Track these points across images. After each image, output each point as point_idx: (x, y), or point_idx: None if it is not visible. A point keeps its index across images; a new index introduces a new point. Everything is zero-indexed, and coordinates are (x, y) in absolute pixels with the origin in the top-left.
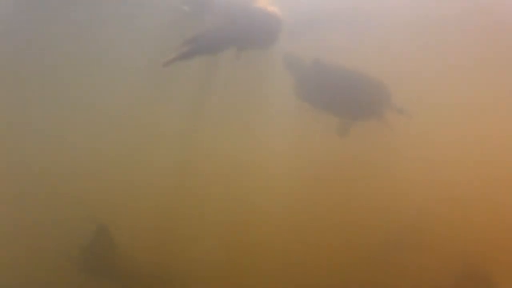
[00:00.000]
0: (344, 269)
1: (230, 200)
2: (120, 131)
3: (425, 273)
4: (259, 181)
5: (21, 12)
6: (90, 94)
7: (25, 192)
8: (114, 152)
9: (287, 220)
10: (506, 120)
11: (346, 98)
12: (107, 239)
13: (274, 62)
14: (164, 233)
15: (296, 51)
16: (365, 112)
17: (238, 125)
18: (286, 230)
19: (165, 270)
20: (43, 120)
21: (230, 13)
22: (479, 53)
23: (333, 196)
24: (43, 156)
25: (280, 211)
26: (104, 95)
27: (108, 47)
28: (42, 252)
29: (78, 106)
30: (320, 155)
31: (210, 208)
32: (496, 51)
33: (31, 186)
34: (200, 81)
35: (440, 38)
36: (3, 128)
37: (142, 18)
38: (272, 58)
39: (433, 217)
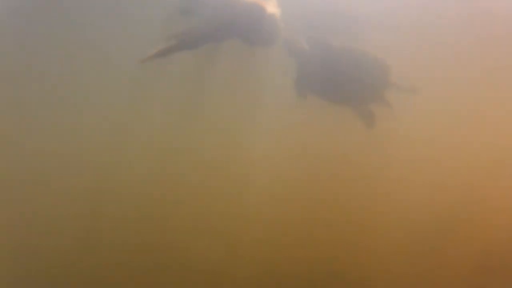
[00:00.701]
0: (350, 269)
1: (229, 197)
2: (117, 128)
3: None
4: (260, 178)
5: (18, 10)
6: (84, 91)
7: (22, 190)
8: (110, 149)
9: (289, 219)
10: None
11: (346, 80)
12: None
13: (272, 62)
14: (160, 230)
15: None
16: (366, 94)
17: (235, 123)
18: (288, 229)
19: (161, 267)
20: (37, 119)
21: (228, 12)
22: (484, 53)
23: (338, 195)
24: (39, 153)
25: (281, 210)
26: (99, 93)
27: (103, 44)
28: (41, 251)
29: (72, 104)
30: (318, 154)
31: (208, 204)
32: (501, 51)
33: (29, 184)
34: (197, 79)
35: (442, 40)
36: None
37: (138, 15)
38: (271, 58)
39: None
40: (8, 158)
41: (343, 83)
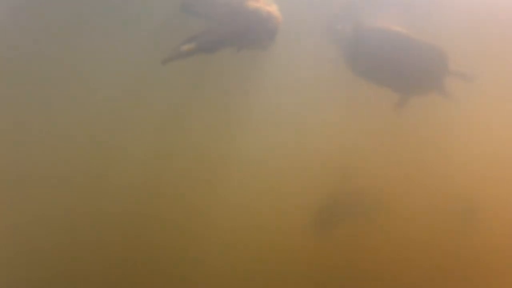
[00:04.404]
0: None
1: (228, 197)
2: (115, 128)
3: None
4: (259, 179)
5: (22, 9)
6: (82, 91)
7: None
8: (109, 149)
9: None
10: None
11: (397, 66)
12: None
13: (270, 63)
14: (159, 230)
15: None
16: (422, 82)
17: (234, 123)
18: (288, 230)
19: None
20: (39, 119)
21: (229, 13)
22: None
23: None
24: (38, 154)
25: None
26: (97, 93)
27: (106, 44)
28: (40, 251)
29: (70, 104)
30: (314, 154)
31: (207, 204)
32: None
33: (27, 186)
34: (197, 80)
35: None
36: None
37: (141, 16)
38: (269, 58)
39: None
40: (6, 158)
41: (396, 69)
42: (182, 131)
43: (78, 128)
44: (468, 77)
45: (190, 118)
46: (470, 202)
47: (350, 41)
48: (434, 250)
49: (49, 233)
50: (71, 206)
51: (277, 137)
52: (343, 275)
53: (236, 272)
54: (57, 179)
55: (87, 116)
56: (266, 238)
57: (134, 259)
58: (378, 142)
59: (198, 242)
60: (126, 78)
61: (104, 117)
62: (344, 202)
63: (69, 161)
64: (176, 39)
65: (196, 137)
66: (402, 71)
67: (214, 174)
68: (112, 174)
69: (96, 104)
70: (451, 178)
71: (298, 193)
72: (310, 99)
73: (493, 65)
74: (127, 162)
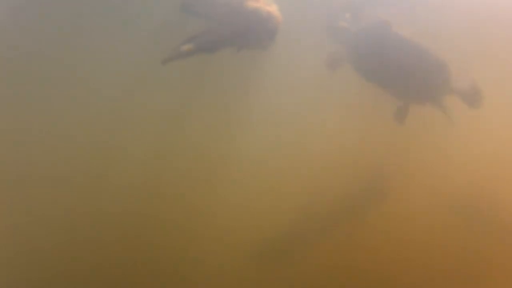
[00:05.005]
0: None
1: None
2: (114, 128)
3: None
4: (258, 179)
5: (22, 9)
6: (82, 91)
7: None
8: (109, 148)
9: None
10: None
11: (398, 67)
12: None
13: (270, 63)
14: (158, 229)
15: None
16: (423, 94)
17: (233, 123)
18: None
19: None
20: (39, 119)
21: (229, 13)
22: None
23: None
24: (38, 154)
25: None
26: (96, 93)
27: (106, 44)
28: (40, 251)
29: (69, 104)
30: (311, 154)
31: (207, 204)
32: None
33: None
34: (197, 80)
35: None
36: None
37: (141, 16)
38: (269, 58)
39: None
40: (6, 158)
41: (397, 70)
42: (182, 131)
43: (78, 128)
44: (470, 96)
45: (190, 118)
46: (470, 202)
47: (351, 41)
48: (434, 250)
49: (49, 233)
50: (71, 206)
51: (277, 137)
52: (343, 275)
53: (236, 272)
54: (57, 179)
55: (87, 116)
56: (266, 238)
57: (134, 259)
58: (378, 142)
59: (198, 242)
60: (126, 78)
61: (104, 117)
62: (344, 202)
63: (69, 161)
64: (176, 39)
65: (196, 137)
66: (402, 72)
67: (214, 174)
68: (112, 174)
69: (96, 104)
70: (451, 178)
71: (298, 193)
72: (310, 99)
73: (493, 65)
74: (127, 162)
